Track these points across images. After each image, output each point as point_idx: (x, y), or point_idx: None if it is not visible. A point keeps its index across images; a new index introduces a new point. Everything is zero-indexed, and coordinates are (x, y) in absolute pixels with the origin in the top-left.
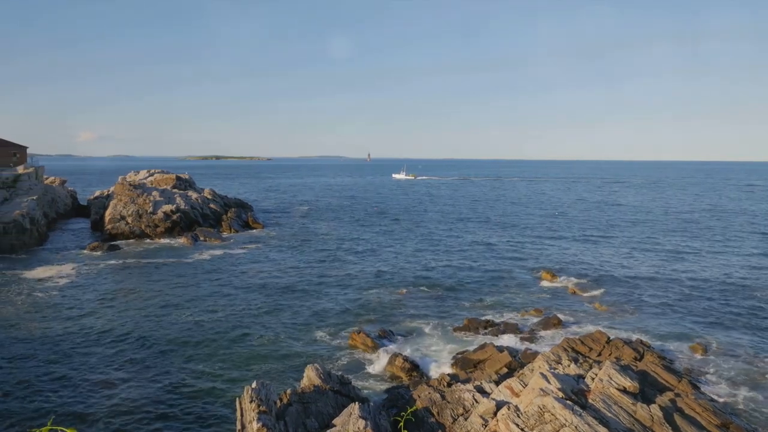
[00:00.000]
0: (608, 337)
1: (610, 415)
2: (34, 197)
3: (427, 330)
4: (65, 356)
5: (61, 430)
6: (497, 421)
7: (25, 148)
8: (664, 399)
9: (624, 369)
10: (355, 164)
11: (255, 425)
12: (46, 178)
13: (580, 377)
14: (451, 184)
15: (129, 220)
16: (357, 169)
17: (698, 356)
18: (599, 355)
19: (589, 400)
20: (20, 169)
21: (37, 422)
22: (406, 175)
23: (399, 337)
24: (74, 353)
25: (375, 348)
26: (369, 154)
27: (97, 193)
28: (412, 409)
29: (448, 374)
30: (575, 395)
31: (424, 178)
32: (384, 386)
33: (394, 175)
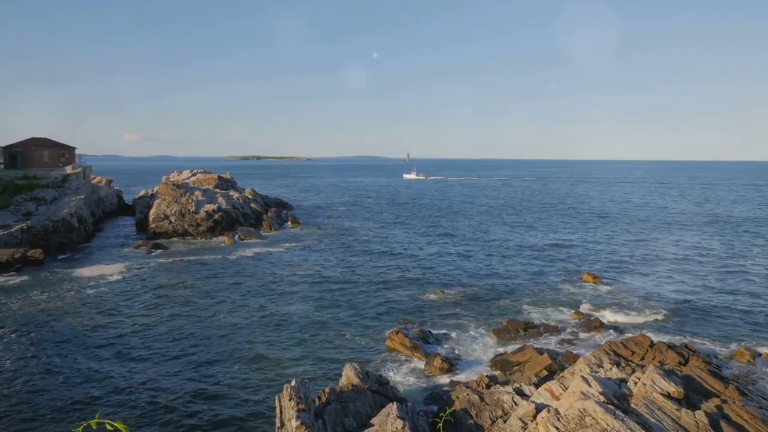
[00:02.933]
0: (652, 341)
1: (653, 420)
2: (82, 196)
3: (465, 331)
4: (110, 351)
5: (109, 423)
6: (537, 424)
7: (74, 148)
8: (709, 405)
9: (668, 373)
10: (393, 164)
11: (294, 423)
12: (93, 178)
13: (623, 381)
14: (469, 184)
15: (172, 219)
16: (395, 170)
17: (745, 362)
18: (642, 359)
19: (632, 405)
20: (69, 169)
21: (83, 415)
22: (416, 176)
23: (437, 338)
24: (119, 349)
25: (413, 348)
26: (408, 154)
27: (141, 193)
28: (450, 410)
29: (487, 376)
30: (617, 399)
31: (435, 178)
32: (422, 387)
33: (405, 175)
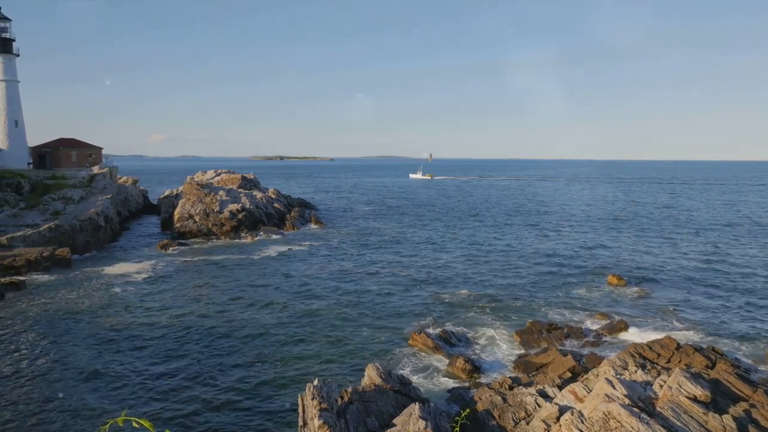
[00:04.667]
0: (678, 344)
1: (679, 424)
2: (109, 196)
3: (488, 332)
4: (136, 350)
5: (135, 420)
6: (560, 426)
7: (100, 149)
8: (737, 409)
9: (695, 377)
10: (416, 165)
11: (317, 422)
12: (120, 178)
13: (648, 384)
14: (487, 185)
15: (197, 218)
16: (417, 171)
17: None
18: (668, 361)
19: (657, 408)
20: (96, 169)
21: (110, 411)
22: (422, 176)
23: (460, 339)
24: (145, 347)
25: (435, 349)
26: (431, 155)
27: (166, 193)
28: (466, 413)
29: (510, 377)
30: (642, 402)
31: (441, 178)
32: (444, 387)
33: (410, 175)
